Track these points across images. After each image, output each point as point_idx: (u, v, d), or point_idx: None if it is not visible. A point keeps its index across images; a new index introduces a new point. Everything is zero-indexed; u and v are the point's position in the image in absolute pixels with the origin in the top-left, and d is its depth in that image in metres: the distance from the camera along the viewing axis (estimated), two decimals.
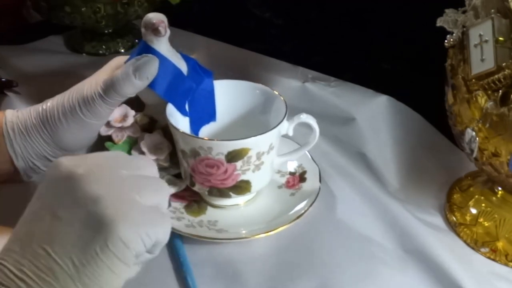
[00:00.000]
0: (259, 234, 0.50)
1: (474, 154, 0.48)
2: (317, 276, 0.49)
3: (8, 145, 0.48)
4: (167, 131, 0.51)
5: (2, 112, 0.50)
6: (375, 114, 0.68)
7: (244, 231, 0.51)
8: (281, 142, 0.53)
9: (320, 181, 0.55)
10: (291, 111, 0.51)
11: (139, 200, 0.34)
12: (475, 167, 0.53)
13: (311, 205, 0.53)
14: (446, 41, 0.51)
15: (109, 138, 0.52)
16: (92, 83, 0.48)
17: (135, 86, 0.47)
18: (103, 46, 0.84)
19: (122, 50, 0.85)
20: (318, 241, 0.52)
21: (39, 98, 0.52)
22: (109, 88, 0.47)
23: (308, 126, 0.52)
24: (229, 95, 0.55)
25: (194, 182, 0.51)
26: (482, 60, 0.45)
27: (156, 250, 0.35)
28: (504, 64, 0.44)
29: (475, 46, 0.46)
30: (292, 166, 0.58)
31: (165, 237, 0.35)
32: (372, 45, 0.81)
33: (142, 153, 0.51)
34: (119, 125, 0.52)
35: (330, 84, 0.74)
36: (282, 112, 0.51)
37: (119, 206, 0.33)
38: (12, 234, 0.34)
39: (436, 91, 0.55)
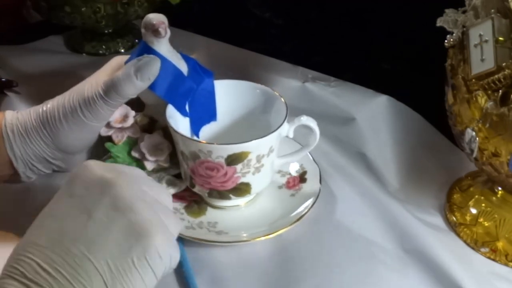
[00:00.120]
0: (260, 237, 0.50)
1: (474, 154, 0.48)
2: (317, 276, 0.49)
3: (8, 148, 0.48)
4: (167, 132, 0.51)
5: (1, 113, 0.49)
6: (375, 114, 0.68)
7: (245, 234, 0.50)
8: (282, 142, 0.52)
9: (320, 182, 0.55)
10: (291, 111, 0.51)
11: (164, 219, 0.35)
12: (475, 167, 0.53)
13: (311, 207, 0.53)
14: (446, 41, 0.51)
15: (109, 138, 0.52)
16: (92, 84, 0.47)
17: (136, 87, 0.47)
18: (103, 46, 0.84)
19: (122, 50, 0.85)
20: (318, 241, 0.52)
21: (39, 98, 0.52)
22: (110, 89, 0.46)
23: (308, 127, 0.52)
24: (230, 95, 0.55)
25: (194, 183, 0.51)
26: (482, 60, 0.45)
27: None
28: (504, 64, 0.44)
29: (475, 46, 0.46)
30: (293, 168, 0.57)
31: (176, 262, 0.37)
32: (372, 45, 0.81)
33: (142, 153, 0.51)
34: (119, 125, 0.52)
35: (330, 84, 0.74)
36: (283, 114, 0.50)
37: (155, 220, 0.34)
38: (34, 228, 0.33)
39: (436, 91, 0.55)
